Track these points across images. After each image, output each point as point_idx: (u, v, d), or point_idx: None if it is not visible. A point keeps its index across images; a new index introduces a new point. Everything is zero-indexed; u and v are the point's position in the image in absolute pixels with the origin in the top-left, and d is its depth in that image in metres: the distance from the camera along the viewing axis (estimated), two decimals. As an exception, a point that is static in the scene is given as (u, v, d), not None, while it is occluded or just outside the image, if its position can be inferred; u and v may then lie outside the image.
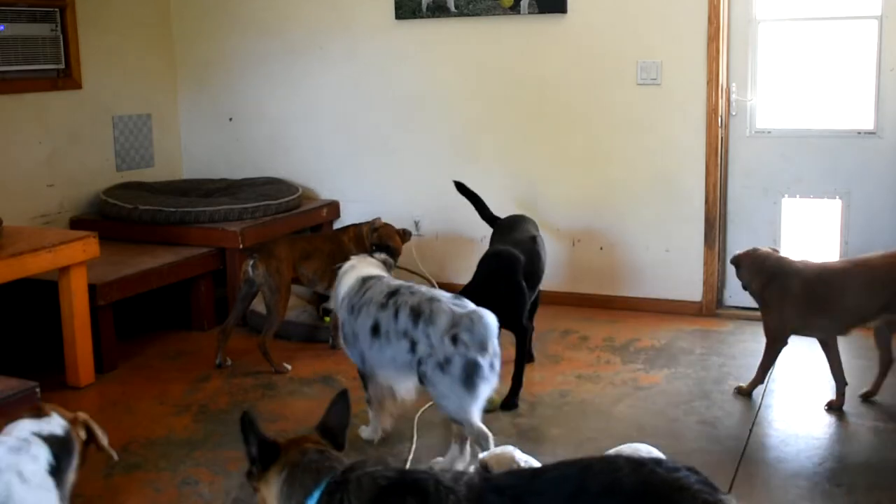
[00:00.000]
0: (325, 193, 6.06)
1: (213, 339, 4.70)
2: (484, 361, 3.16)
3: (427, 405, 3.72)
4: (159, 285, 4.88)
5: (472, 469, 3.12)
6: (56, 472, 2.40)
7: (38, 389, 3.49)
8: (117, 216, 5.40)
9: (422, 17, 5.58)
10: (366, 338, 3.45)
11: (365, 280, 3.58)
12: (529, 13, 5.32)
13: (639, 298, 5.37)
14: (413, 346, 3.28)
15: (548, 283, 4.53)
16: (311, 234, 5.64)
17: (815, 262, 4.03)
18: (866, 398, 3.97)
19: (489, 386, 3.23)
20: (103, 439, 2.66)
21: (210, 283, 5.19)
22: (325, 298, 4.84)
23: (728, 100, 5.13)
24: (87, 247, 4.23)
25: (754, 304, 4.26)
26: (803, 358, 4.52)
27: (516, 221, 4.59)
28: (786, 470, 3.41)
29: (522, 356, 4.08)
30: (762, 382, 4.07)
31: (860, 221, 4.95)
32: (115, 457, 2.71)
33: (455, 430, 3.34)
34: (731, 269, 4.45)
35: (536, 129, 5.46)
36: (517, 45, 5.42)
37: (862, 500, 3.16)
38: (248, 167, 6.20)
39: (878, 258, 3.90)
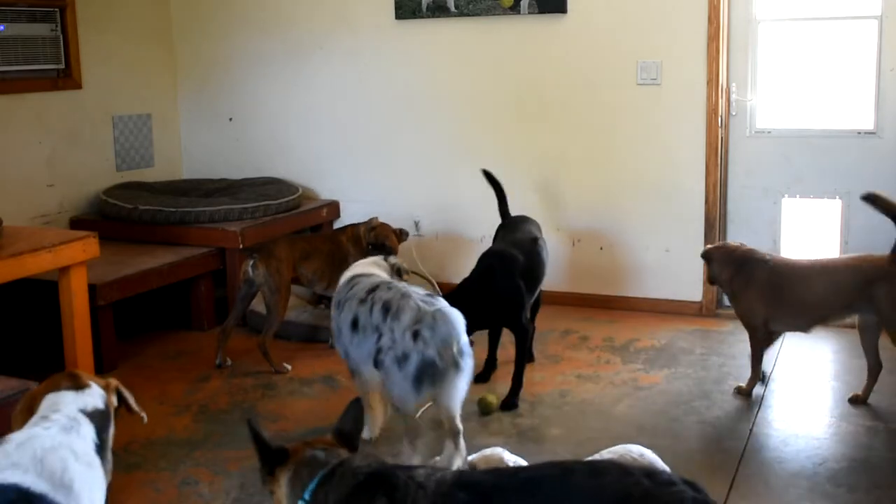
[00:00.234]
0: (325, 193, 6.06)
1: (213, 339, 4.70)
2: (441, 361, 3.15)
3: (426, 406, 3.72)
4: (159, 285, 4.88)
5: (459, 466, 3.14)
6: (100, 449, 2.44)
7: (38, 389, 3.49)
8: (117, 216, 5.40)
9: (422, 17, 5.58)
10: (347, 332, 3.46)
11: (353, 277, 3.59)
12: (529, 13, 5.32)
13: (639, 298, 5.37)
14: (379, 339, 3.29)
15: (548, 283, 4.53)
16: (310, 234, 5.64)
17: (783, 257, 4.13)
18: (855, 402, 3.96)
19: (454, 384, 3.21)
20: (134, 404, 2.73)
21: (210, 283, 5.19)
22: (325, 299, 4.84)
23: (728, 100, 5.13)
24: (87, 247, 4.22)
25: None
26: (803, 358, 4.52)
27: (519, 222, 4.59)
28: (786, 470, 3.40)
29: (522, 356, 4.08)
30: (759, 378, 4.07)
31: (860, 221, 4.94)
32: (145, 419, 2.76)
33: (446, 428, 3.33)
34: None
35: (536, 129, 5.46)
36: (517, 45, 5.42)
37: (862, 500, 3.16)
38: (248, 167, 6.20)
39: (844, 259, 4.03)
